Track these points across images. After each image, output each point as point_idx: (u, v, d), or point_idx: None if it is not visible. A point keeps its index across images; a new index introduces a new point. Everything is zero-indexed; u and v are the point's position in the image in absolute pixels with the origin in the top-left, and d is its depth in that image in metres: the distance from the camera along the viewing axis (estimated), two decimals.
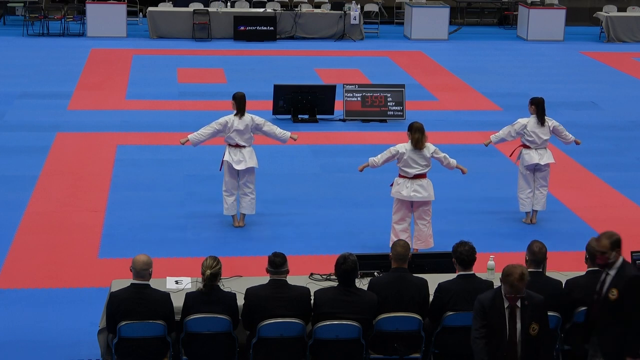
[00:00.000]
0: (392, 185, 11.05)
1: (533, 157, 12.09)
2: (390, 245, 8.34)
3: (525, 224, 12.35)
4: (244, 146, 11.69)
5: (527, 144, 12.12)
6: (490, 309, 7.26)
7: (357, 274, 7.93)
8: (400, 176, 10.92)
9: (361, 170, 11.29)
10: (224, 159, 11.74)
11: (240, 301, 7.86)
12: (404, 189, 10.85)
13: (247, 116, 11.68)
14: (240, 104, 11.69)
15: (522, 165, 12.22)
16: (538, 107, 12.09)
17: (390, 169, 11.26)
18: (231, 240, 11.65)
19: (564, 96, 20.01)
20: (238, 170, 11.71)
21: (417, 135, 10.80)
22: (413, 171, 10.82)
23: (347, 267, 7.75)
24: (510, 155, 12.76)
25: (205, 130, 11.75)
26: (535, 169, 12.19)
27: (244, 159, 11.68)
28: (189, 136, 11.82)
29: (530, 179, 12.22)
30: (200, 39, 25.89)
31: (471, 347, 7.36)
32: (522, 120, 12.15)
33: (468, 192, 13.41)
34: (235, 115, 11.65)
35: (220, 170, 11.95)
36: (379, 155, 11.00)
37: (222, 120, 11.67)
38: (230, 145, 11.71)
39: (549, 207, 12.56)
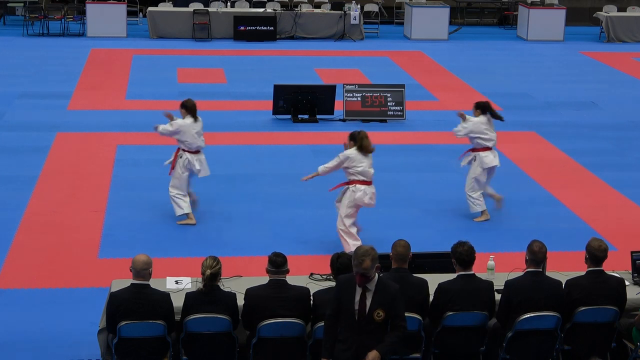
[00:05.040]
0: (345, 197, 11.02)
1: (493, 159, 12.25)
2: (391, 245, 8.34)
3: (480, 222, 12.31)
4: (199, 152, 11.88)
5: (487, 144, 12.19)
6: (345, 287, 7.21)
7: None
8: (362, 182, 10.89)
9: (305, 180, 11.28)
10: (195, 168, 11.82)
11: (240, 301, 7.86)
12: (365, 197, 10.94)
13: (199, 119, 11.90)
14: (192, 111, 11.88)
15: (481, 168, 12.22)
16: (483, 112, 12.17)
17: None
18: (231, 240, 11.65)
19: (564, 96, 20.00)
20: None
21: (367, 141, 10.84)
22: (372, 172, 10.89)
23: (343, 262, 7.76)
24: (459, 158, 12.70)
25: (167, 128, 11.90)
26: (489, 171, 12.28)
27: (202, 166, 11.94)
28: (160, 127, 11.99)
29: (484, 180, 12.30)
30: (200, 39, 25.89)
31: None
32: (476, 119, 12.16)
33: None
34: (188, 119, 11.83)
35: (170, 174, 11.99)
36: (328, 163, 11.00)
37: (180, 122, 11.80)
38: (190, 152, 11.84)
39: (549, 207, 12.54)
